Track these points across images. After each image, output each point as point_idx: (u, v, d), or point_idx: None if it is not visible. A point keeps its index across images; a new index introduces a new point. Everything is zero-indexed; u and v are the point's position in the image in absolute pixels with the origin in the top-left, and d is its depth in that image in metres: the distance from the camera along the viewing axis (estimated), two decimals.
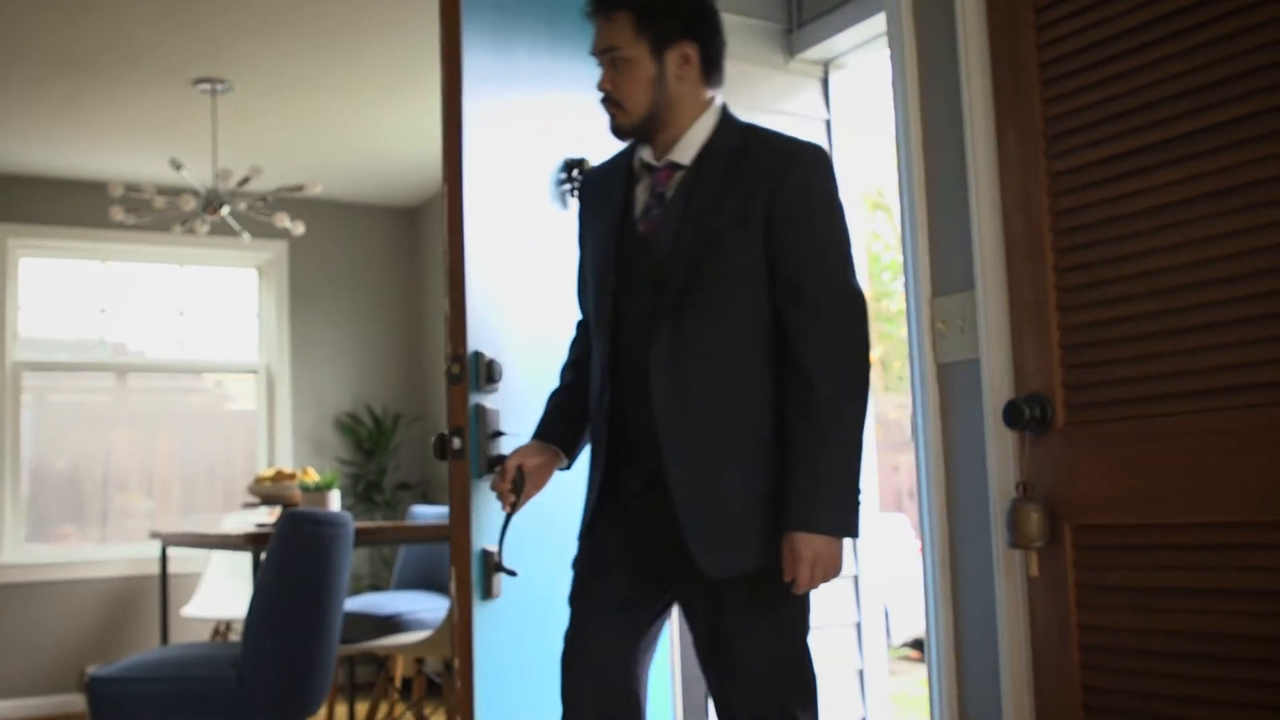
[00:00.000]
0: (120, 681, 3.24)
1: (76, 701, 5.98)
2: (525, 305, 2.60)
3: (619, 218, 2.10)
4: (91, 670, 3.49)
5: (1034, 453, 2.11)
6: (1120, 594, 1.99)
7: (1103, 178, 2.03)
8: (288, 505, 4.50)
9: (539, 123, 2.69)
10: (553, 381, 2.34)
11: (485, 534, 2.38)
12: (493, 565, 2.37)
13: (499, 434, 2.41)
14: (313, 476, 4.61)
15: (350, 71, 4.88)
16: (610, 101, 2.06)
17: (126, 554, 6.18)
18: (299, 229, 5.58)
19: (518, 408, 2.48)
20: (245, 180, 5.17)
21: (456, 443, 2.33)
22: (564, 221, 2.72)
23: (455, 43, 2.41)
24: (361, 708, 5.19)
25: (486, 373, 2.40)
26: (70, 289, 6.38)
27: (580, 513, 2.17)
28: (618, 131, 2.09)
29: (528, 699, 2.46)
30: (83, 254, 6.36)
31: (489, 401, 2.41)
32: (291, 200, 6.04)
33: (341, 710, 5.20)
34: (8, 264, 6.11)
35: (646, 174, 2.11)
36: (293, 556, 3.23)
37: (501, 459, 2.26)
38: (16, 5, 4.14)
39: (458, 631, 2.32)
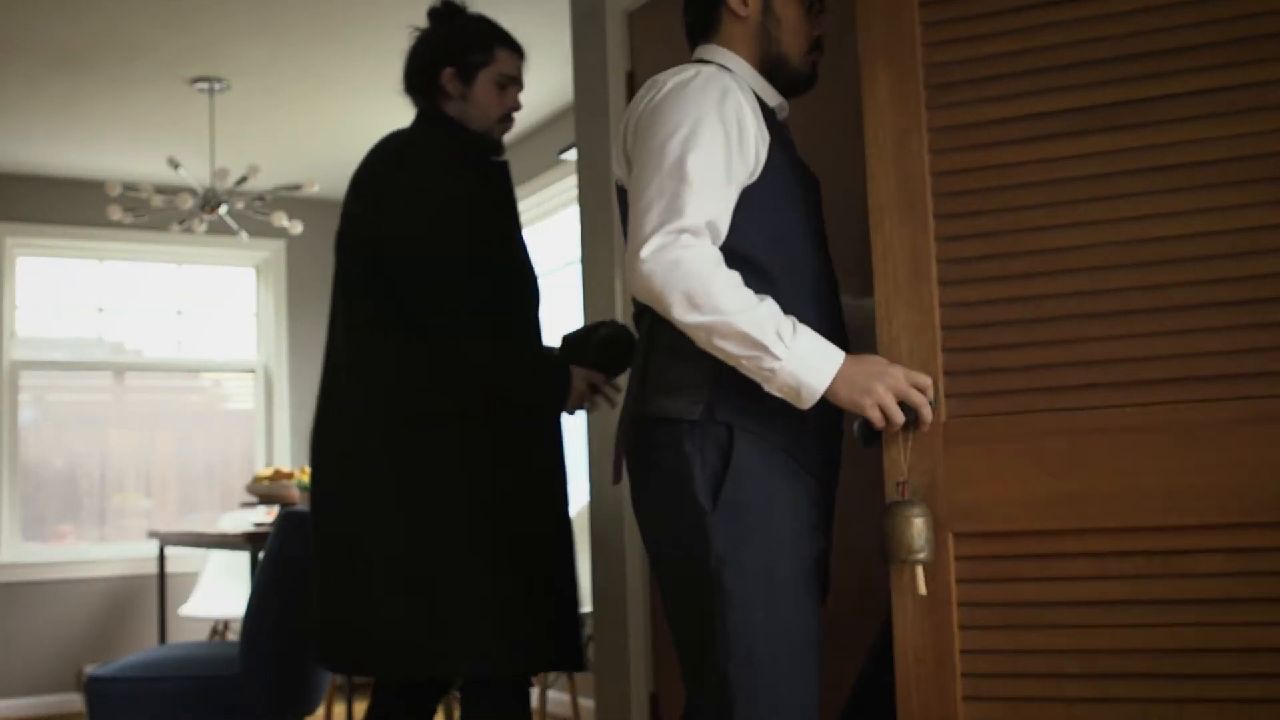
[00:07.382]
0: (118, 681, 3.24)
1: (75, 701, 5.97)
2: None
3: (803, 171, 2.01)
4: (89, 669, 3.50)
5: (914, 449, 1.80)
6: (1013, 611, 1.76)
7: (1003, 139, 1.79)
8: (285, 504, 4.50)
9: None
10: None
11: None
12: None
13: None
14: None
15: (349, 71, 4.87)
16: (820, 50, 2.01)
17: (124, 553, 6.18)
18: (297, 228, 5.57)
19: None
20: (243, 179, 5.17)
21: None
22: None
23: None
24: (360, 707, 5.19)
25: None
26: (68, 288, 6.38)
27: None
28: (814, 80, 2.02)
29: None
30: (80, 253, 6.35)
31: None
32: (289, 199, 6.04)
33: (340, 709, 5.20)
34: (5, 263, 6.11)
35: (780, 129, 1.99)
36: (291, 555, 3.23)
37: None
38: (13, 3, 4.14)
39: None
